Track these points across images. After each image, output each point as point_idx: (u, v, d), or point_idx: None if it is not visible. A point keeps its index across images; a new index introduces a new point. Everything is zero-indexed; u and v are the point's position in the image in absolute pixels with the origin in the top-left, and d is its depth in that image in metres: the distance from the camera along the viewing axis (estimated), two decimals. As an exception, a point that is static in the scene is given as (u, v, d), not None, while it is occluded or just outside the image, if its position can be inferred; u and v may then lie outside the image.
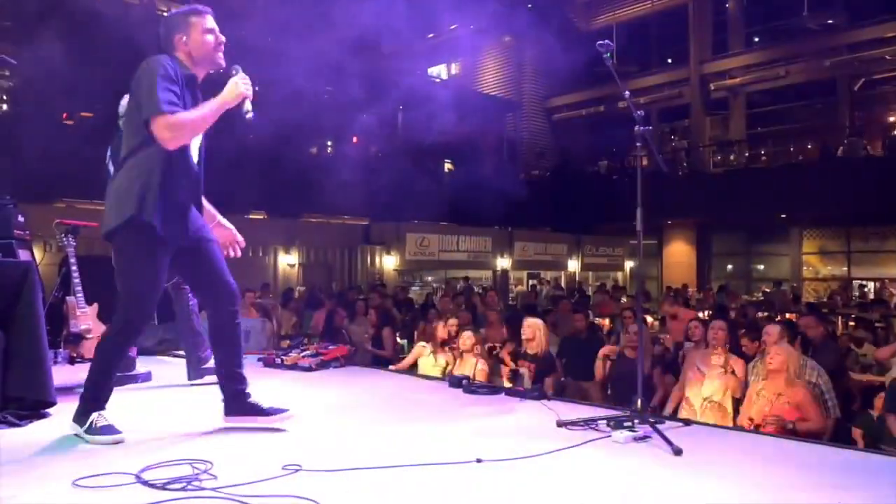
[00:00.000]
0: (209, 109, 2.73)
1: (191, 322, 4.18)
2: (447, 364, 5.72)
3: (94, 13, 12.10)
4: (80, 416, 2.81)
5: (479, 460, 2.57)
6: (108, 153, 4.03)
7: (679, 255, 20.18)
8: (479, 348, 5.68)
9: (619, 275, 20.70)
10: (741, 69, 19.47)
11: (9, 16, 9.80)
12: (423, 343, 6.20)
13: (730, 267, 20.90)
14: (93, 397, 2.84)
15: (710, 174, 18.71)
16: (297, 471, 2.43)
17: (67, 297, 4.60)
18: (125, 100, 4.08)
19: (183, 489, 2.23)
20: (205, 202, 3.15)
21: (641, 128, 3.24)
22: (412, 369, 5.83)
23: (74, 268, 4.63)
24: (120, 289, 2.85)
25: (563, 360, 6.14)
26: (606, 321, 9.71)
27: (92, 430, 2.77)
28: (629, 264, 20.68)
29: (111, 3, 14.49)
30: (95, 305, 4.74)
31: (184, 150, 2.80)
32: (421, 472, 2.49)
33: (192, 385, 4.16)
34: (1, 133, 7.89)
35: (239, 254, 3.29)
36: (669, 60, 21.53)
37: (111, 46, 9.58)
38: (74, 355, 4.54)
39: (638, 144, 3.30)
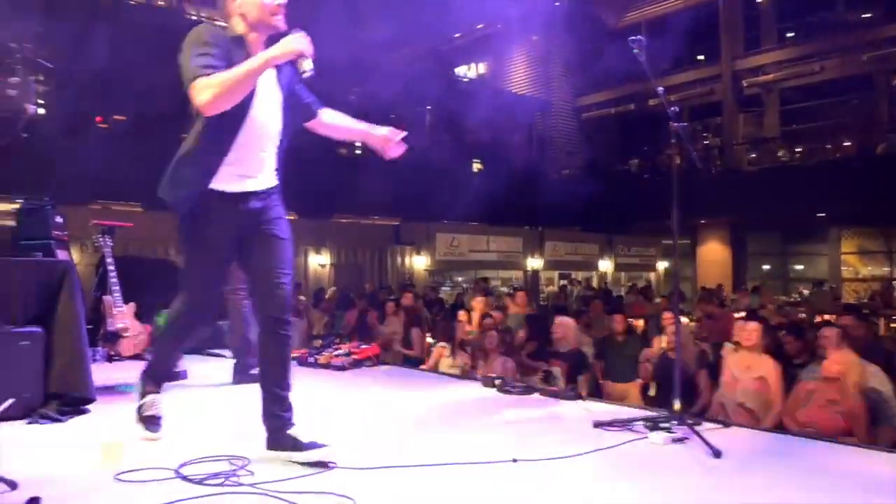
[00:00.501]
0: (250, 65, 2.38)
1: (241, 327, 4.17)
2: (465, 364, 5.76)
3: (125, 17, 12.34)
4: (138, 383, 2.85)
5: (514, 460, 2.55)
6: None
7: (713, 254, 19.85)
8: (504, 347, 5.68)
9: (652, 275, 20.46)
10: (774, 65, 19.11)
11: (44, 21, 10.04)
12: (442, 343, 6.26)
13: (766, 267, 20.51)
14: (149, 372, 2.86)
15: (744, 172, 18.38)
16: (332, 468, 2.43)
17: (104, 297, 4.68)
18: None
19: (221, 484, 2.25)
20: (347, 120, 2.92)
21: (676, 124, 3.17)
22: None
23: (111, 267, 4.72)
24: (182, 269, 2.78)
25: (600, 362, 6.08)
26: (640, 322, 9.57)
27: (138, 411, 2.80)
28: (662, 264, 20.41)
29: (141, 8, 14.79)
30: (132, 304, 4.82)
31: (232, 124, 2.48)
32: (456, 470, 2.47)
33: (231, 384, 4.19)
34: (38, 137, 8.06)
35: (394, 155, 2.93)
36: (700, 57, 21.20)
37: (142, 50, 9.75)
38: (112, 353, 4.62)
39: (672, 141, 3.23)
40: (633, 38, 3.18)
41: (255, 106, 2.51)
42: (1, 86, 3.65)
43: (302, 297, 10.50)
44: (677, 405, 2.99)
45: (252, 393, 3.88)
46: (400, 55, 20.15)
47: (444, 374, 5.40)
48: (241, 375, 4.11)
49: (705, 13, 20.09)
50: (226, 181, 2.52)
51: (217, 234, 2.56)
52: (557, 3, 20.70)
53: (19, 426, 2.90)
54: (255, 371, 4.05)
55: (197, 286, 2.70)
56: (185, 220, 2.56)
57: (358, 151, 17.97)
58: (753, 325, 4.47)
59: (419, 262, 15.29)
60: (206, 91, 2.33)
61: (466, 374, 5.36)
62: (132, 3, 14.93)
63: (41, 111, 11.88)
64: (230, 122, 2.47)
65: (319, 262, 13.83)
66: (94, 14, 11.39)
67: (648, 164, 19.80)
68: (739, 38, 19.93)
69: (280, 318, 2.61)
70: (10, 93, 3.63)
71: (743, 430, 3.23)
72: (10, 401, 2.21)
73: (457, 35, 23.32)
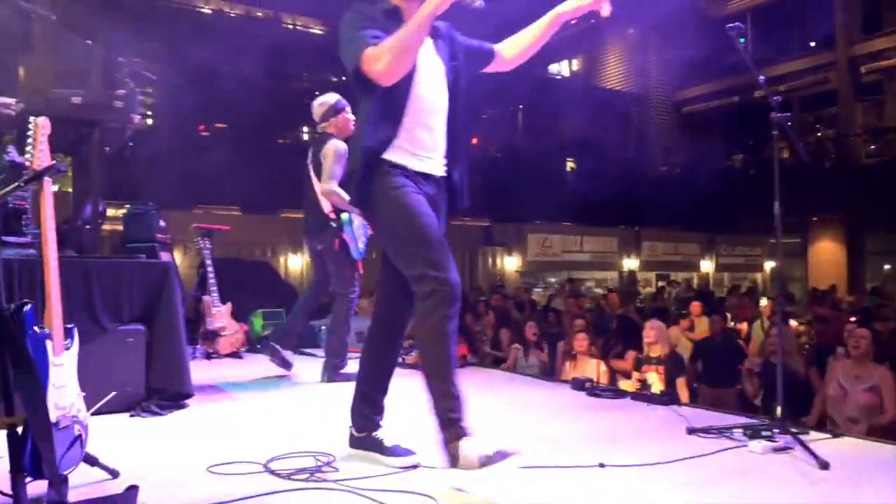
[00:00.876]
0: (416, 20, 2.23)
1: (340, 329, 4.24)
2: (543, 363, 5.75)
3: (225, 29, 12.92)
4: (450, 437, 2.37)
5: (601, 465, 2.46)
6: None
7: (827, 254, 18.64)
8: (595, 350, 5.60)
9: (759, 276, 19.47)
10: (897, 49, 17.76)
11: (156, 37, 10.69)
12: (516, 345, 6.37)
13: (887, 267, 19.05)
14: (448, 411, 2.42)
15: (862, 165, 17.17)
16: (415, 468, 2.43)
17: (204, 297, 4.91)
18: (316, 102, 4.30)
19: (306, 480, 2.29)
20: (527, 32, 2.69)
21: (778, 114, 3.00)
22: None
23: (210, 268, 4.94)
24: (394, 253, 2.42)
25: (696, 365, 5.86)
26: (744, 325, 9.13)
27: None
28: (769, 264, 19.39)
29: (241, 19, 15.46)
30: (229, 304, 5.03)
31: (398, 102, 2.35)
32: (540, 474, 2.41)
33: (321, 383, 4.29)
34: (145, 146, 8.60)
35: (607, 12, 2.63)
36: (812, 44, 19.98)
37: (242, 59, 10.20)
38: (211, 351, 4.83)
39: (774, 133, 3.05)
40: (731, 25, 3.03)
41: (418, 81, 2.37)
42: (109, 98, 3.87)
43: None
44: (779, 412, 2.80)
45: (341, 391, 3.96)
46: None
47: (527, 375, 5.34)
48: (331, 373, 4.19)
49: (817, -4, 18.92)
50: (404, 160, 2.37)
51: (417, 195, 2.34)
52: (655, -4, 20.06)
53: (123, 419, 3.08)
54: (345, 371, 4.15)
55: (428, 252, 2.29)
56: (374, 197, 2.35)
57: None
58: (863, 332, 4.13)
59: (510, 264, 15.20)
60: (381, 58, 2.23)
61: (547, 375, 5.32)
62: (232, 14, 15.67)
63: (149, 122, 12.67)
64: (395, 100, 2.34)
65: (411, 263, 14.00)
66: (196, 27, 12.00)
67: (753, 158, 18.85)
68: (857, 21, 18.61)
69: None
70: (118, 104, 3.84)
71: (855, 440, 2.98)
72: (112, 394, 2.34)
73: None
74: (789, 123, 3.00)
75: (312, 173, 4.17)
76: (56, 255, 2.10)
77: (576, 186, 16.21)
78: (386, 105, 2.33)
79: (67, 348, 2.06)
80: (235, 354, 4.99)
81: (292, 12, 16.03)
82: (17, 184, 2.06)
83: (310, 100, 4.62)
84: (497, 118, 19.21)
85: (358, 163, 2.36)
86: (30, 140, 2.09)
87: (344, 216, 4.08)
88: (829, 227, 18.48)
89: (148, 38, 10.90)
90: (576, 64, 24.27)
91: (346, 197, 2.58)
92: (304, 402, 3.74)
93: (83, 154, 3.96)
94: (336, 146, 4.04)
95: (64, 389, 1.99)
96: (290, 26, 15.89)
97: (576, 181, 17.19)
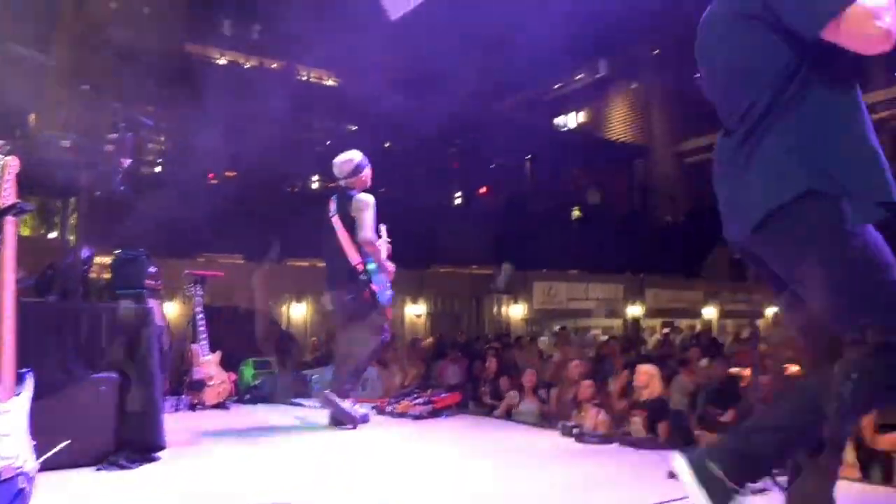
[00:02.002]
0: None
1: (364, 361, 4.29)
2: (538, 411, 5.83)
3: (240, 81, 13.18)
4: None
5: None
6: None
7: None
8: (599, 398, 5.48)
9: (761, 322, 19.22)
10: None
11: (171, 87, 10.94)
12: (512, 392, 6.42)
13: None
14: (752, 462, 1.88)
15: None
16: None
17: (192, 345, 4.85)
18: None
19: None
20: None
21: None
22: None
23: (200, 316, 4.90)
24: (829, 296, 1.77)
25: (695, 411, 5.74)
26: (748, 371, 8.96)
27: None
28: (770, 310, 19.18)
29: (255, 71, 15.83)
30: (219, 353, 4.97)
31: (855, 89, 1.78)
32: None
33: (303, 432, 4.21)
34: (152, 192, 8.65)
35: None
36: None
37: (255, 109, 10.36)
38: (195, 402, 4.73)
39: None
40: (698, 76, 3.05)
41: None
42: (101, 142, 3.90)
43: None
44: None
45: (316, 440, 3.86)
46: (500, 106, 20.50)
47: (522, 422, 5.25)
48: (336, 412, 4.10)
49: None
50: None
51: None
52: (656, 52, 20.44)
53: (88, 473, 2.89)
54: (349, 410, 4.09)
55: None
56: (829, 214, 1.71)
57: (458, 201, 18.20)
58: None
59: (516, 312, 15.11)
60: (886, 14, 1.55)
61: (546, 420, 5.22)
62: (247, 66, 16.05)
63: (157, 169, 12.82)
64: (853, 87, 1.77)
65: (416, 311, 13.93)
66: (212, 78, 12.27)
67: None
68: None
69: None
70: (108, 148, 3.87)
71: (843, 482, 2.87)
72: (66, 442, 2.26)
73: (556, 86, 23.53)
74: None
75: (341, 224, 4.26)
76: (13, 298, 2.08)
77: (581, 235, 16.20)
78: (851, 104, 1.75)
79: (17, 394, 2.01)
80: (221, 405, 4.86)
81: (308, 65, 16.38)
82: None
83: (321, 149, 4.74)
84: (505, 168, 19.45)
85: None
86: (-4, 180, 2.08)
87: (371, 266, 4.20)
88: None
89: (162, 88, 11.16)
90: (582, 116, 24.62)
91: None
92: (279, 454, 3.62)
93: (72, 198, 3.98)
94: (369, 199, 4.26)
95: (8, 438, 1.92)
96: (304, 78, 16.24)
97: (581, 230, 17.21)
